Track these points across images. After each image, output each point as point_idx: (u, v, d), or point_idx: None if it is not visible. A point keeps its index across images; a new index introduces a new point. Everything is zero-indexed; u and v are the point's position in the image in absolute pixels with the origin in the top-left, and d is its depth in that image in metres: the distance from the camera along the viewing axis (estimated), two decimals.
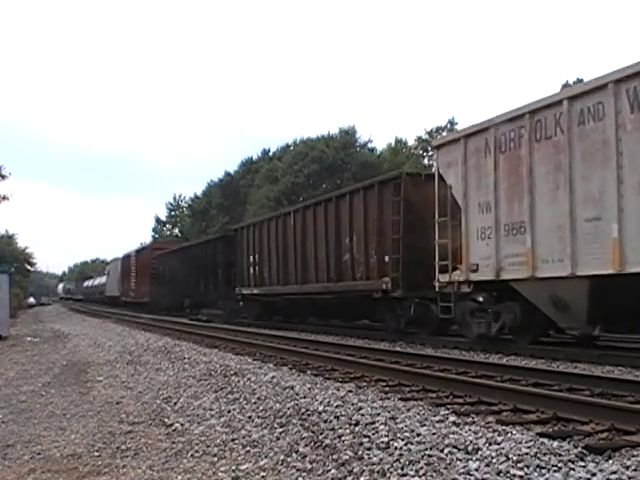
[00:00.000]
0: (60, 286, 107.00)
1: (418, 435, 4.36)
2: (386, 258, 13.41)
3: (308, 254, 17.03)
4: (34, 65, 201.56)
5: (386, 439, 4.32)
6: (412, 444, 4.16)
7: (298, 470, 4.11)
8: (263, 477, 4.09)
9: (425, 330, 13.23)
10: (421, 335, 13.06)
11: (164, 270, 32.46)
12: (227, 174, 56.69)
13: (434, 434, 4.37)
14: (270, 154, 53.38)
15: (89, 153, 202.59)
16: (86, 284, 77.78)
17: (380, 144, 46.71)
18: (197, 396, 7.01)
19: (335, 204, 15.75)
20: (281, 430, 5.11)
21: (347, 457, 4.13)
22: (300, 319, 19.53)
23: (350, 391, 6.34)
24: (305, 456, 4.36)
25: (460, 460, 3.81)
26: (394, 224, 13.11)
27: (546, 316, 10.05)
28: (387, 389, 6.69)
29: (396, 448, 4.12)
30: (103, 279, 58.59)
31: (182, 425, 5.71)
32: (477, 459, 3.80)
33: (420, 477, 3.66)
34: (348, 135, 43.54)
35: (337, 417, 5.07)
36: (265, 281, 19.85)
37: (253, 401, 6.28)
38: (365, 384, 7.01)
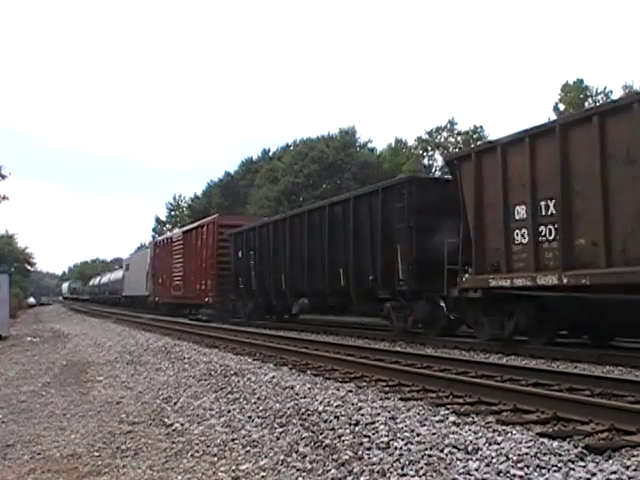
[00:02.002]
0: (65, 285, 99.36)
1: (418, 435, 4.36)
2: None
3: None
4: (34, 66, 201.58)
5: (386, 439, 4.32)
6: (412, 444, 4.16)
7: (298, 470, 4.11)
8: (263, 477, 4.09)
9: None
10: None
11: (249, 255, 21.03)
12: (227, 174, 56.69)
13: (434, 434, 4.37)
14: (270, 154, 53.34)
15: (89, 153, 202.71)
16: (92, 282, 70.30)
17: (380, 144, 46.74)
18: (197, 396, 7.01)
19: None
20: (281, 430, 5.11)
21: (347, 457, 4.13)
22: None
23: (350, 391, 6.34)
24: (305, 456, 4.36)
25: (460, 460, 3.81)
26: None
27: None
28: (387, 389, 6.69)
29: (396, 448, 4.12)
30: (117, 274, 49.86)
31: (182, 425, 5.71)
32: (477, 459, 3.80)
33: (420, 477, 3.66)
34: (348, 135, 43.51)
35: (337, 417, 5.07)
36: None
37: (253, 401, 6.28)
38: (365, 384, 7.01)
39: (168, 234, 33.80)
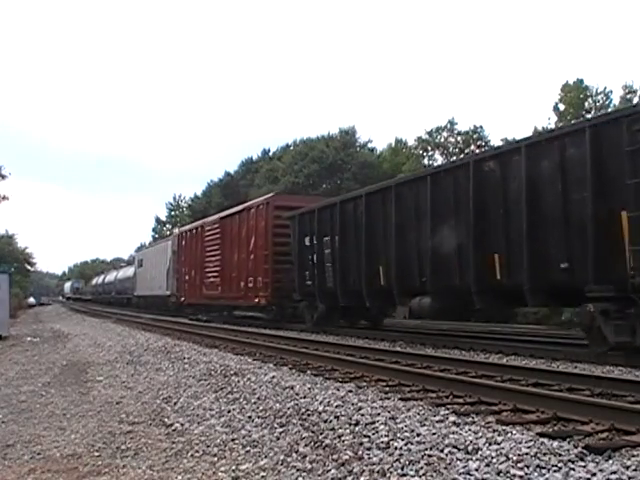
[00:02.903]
0: (67, 285, 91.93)
1: (418, 435, 4.36)
2: None
3: None
4: (35, 66, 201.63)
5: (386, 439, 4.32)
6: (412, 444, 4.16)
7: (298, 470, 4.11)
8: (263, 477, 4.09)
9: None
10: None
11: (323, 243, 16.08)
12: (227, 174, 56.66)
13: (434, 434, 4.37)
14: (270, 154, 53.33)
15: (89, 153, 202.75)
16: (95, 281, 64.16)
17: (380, 144, 46.71)
18: (197, 396, 7.01)
19: None
20: (281, 430, 5.11)
21: (347, 457, 4.13)
22: None
23: (350, 391, 6.34)
24: (305, 456, 4.36)
25: (460, 460, 3.81)
26: None
27: None
28: (387, 389, 6.69)
29: (396, 448, 4.12)
30: (127, 271, 43.94)
31: (182, 425, 5.71)
32: (477, 459, 3.80)
33: (420, 477, 3.66)
34: (348, 135, 43.48)
35: (337, 417, 5.07)
36: None
37: (253, 401, 6.28)
38: (365, 384, 7.01)
39: (198, 222, 26.70)
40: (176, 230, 32.52)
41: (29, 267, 69.97)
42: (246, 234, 20.25)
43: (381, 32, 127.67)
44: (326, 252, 15.83)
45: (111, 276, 53.19)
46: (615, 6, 73.14)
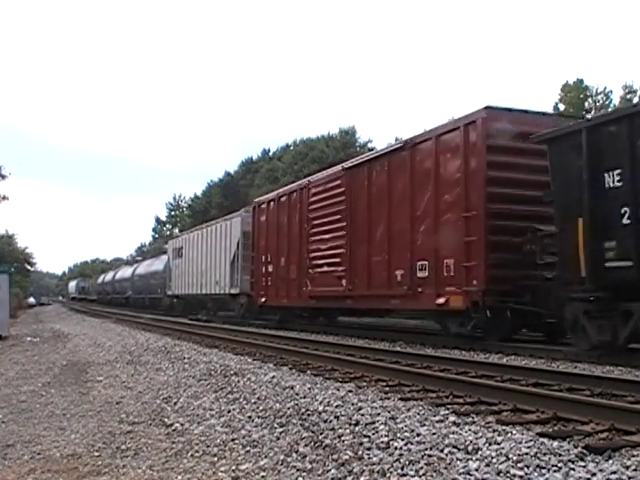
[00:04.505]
0: (72, 284, 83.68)
1: (418, 435, 4.36)
2: None
3: None
4: (35, 65, 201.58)
5: (386, 439, 4.31)
6: (412, 444, 4.16)
7: (298, 470, 4.11)
8: (263, 477, 4.09)
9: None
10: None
11: None
12: (227, 174, 56.75)
13: (434, 434, 4.37)
14: (270, 154, 53.38)
15: (89, 153, 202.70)
16: (103, 279, 56.62)
17: (380, 144, 46.76)
18: (197, 396, 7.01)
19: None
20: (281, 430, 5.11)
21: (347, 457, 4.13)
22: None
23: (350, 391, 6.34)
24: (305, 456, 4.36)
25: (460, 460, 3.80)
26: None
27: None
28: (387, 389, 6.69)
29: (396, 448, 4.12)
30: (153, 265, 35.62)
31: (182, 425, 5.71)
32: (477, 459, 3.80)
33: (420, 477, 3.66)
34: (348, 135, 43.54)
35: (337, 417, 5.07)
36: None
37: (253, 401, 6.28)
38: (365, 384, 7.01)
39: (291, 185, 18.77)
40: (239, 214, 22.40)
41: (29, 267, 70.06)
42: (410, 187, 12.42)
43: (381, 32, 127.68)
44: None
45: (125, 272, 45.02)
46: (615, 6, 73.14)
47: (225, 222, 23.31)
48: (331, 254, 15.32)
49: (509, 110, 11.33)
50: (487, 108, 10.98)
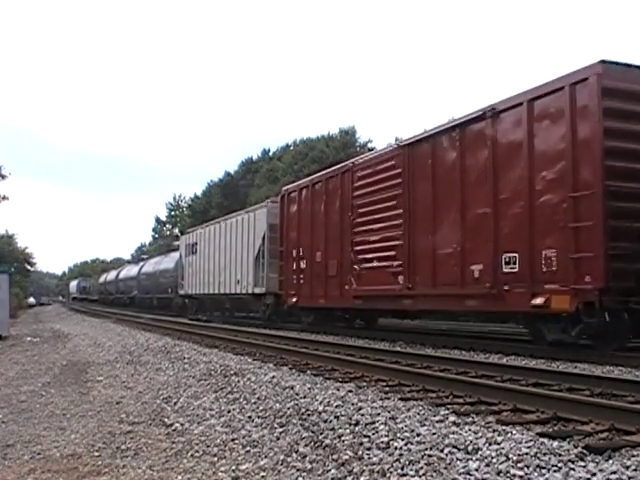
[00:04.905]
0: (73, 284, 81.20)
1: (418, 435, 4.36)
2: None
3: None
4: (36, 66, 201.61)
5: (386, 439, 4.31)
6: (412, 444, 4.16)
7: (298, 470, 4.11)
8: (263, 477, 4.09)
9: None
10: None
11: None
12: (227, 174, 56.80)
13: (434, 434, 4.37)
14: (270, 154, 53.44)
15: (89, 153, 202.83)
16: (105, 278, 54.44)
17: (380, 144, 46.84)
18: (197, 396, 7.01)
19: None
20: (281, 430, 5.11)
21: (347, 457, 4.13)
22: None
23: (350, 391, 6.34)
24: (305, 456, 4.36)
25: (460, 460, 3.80)
26: None
27: None
28: (387, 389, 6.69)
29: (396, 448, 4.12)
30: (162, 263, 33.37)
31: (182, 425, 5.71)
32: (477, 459, 3.80)
33: (420, 477, 3.66)
34: (348, 135, 43.62)
35: (337, 417, 5.07)
36: None
37: (253, 401, 6.28)
38: (365, 384, 7.01)
39: (330, 169, 16.17)
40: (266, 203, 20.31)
41: (29, 267, 70.06)
42: (492, 164, 10.43)
43: (381, 32, 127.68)
44: None
45: (130, 271, 42.45)
46: (615, 6, 73.13)
47: (248, 214, 20.99)
48: (384, 246, 13.11)
49: (628, 66, 9.21)
50: (603, 62, 8.92)
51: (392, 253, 12.82)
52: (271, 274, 18.68)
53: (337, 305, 15.33)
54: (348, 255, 14.33)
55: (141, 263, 41.49)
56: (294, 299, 16.99)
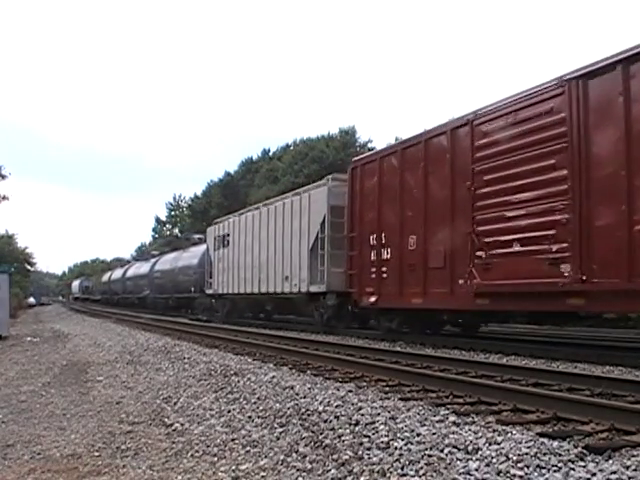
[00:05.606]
0: (75, 283, 78.94)
1: (418, 435, 4.36)
2: None
3: None
4: (37, 66, 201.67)
5: (386, 439, 4.31)
6: (412, 444, 4.16)
7: (298, 470, 4.11)
8: (263, 477, 4.09)
9: None
10: None
11: None
12: (227, 174, 56.76)
13: (434, 434, 4.37)
14: (270, 154, 53.43)
15: (89, 153, 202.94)
16: (110, 276, 50.31)
17: (380, 144, 46.82)
18: (197, 396, 7.01)
19: None
20: (281, 430, 5.11)
21: (347, 457, 4.13)
22: None
23: (350, 391, 6.34)
24: (305, 456, 4.36)
25: (460, 460, 3.80)
26: None
27: None
28: (387, 389, 6.69)
29: (396, 448, 4.12)
30: (182, 259, 29.45)
31: (182, 425, 5.71)
32: (477, 459, 3.80)
33: (420, 477, 3.66)
34: (348, 135, 43.62)
35: (337, 417, 5.07)
36: None
37: (253, 401, 6.28)
38: (365, 384, 7.01)
39: (436, 126, 12.07)
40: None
41: (29, 267, 69.96)
42: None
43: (381, 32, 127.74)
44: None
45: (140, 268, 38.21)
46: (614, 6, 73.17)
47: (300, 195, 17.17)
48: (533, 224, 9.66)
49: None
50: None
51: (550, 232, 9.37)
52: (334, 268, 15.19)
53: (444, 306, 11.81)
54: (465, 239, 10.90)
55: (153, 260, 36.93)
56: (372, 298, 13.46)
